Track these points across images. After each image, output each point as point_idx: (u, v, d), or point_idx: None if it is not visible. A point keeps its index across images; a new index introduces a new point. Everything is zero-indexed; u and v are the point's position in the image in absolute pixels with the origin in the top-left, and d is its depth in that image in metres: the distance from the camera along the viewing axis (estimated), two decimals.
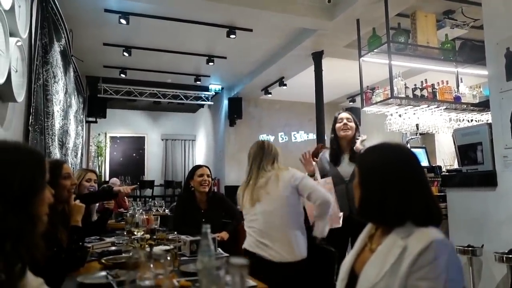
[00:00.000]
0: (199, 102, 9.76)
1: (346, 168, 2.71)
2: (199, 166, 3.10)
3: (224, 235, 2.75)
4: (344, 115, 2.77)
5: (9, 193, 0.87)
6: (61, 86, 4.67)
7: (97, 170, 10.43)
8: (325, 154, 2.81)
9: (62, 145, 4.80)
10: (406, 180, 1.06)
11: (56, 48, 4.33)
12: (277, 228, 2.03)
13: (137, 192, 10.48)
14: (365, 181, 1.12)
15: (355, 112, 10.95)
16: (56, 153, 4.30)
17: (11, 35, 2.59)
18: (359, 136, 2.76)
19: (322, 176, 2.68)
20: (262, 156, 2.26)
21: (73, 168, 5.64)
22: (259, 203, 2.11)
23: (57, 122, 4.40)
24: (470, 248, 2.85)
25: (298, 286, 1.92)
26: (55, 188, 1.56)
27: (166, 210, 5.31)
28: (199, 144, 11.88)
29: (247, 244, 2.16)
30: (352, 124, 2.72)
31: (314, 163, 2.68)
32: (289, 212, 2.09)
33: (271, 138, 9.81)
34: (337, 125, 2.75)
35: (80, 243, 1.75)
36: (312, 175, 2.64)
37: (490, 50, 3.07)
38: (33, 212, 0.91)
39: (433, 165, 4.83)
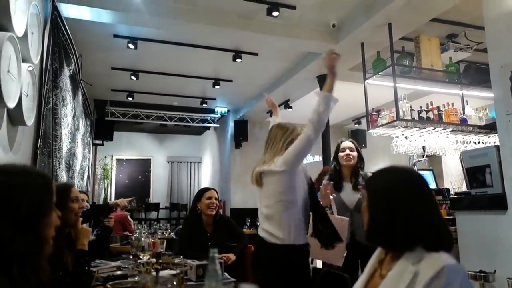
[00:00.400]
0: (205, 124, 9.82)
1: (350, 196, 2.69)
2: (207, 189, 3.08)
3: (231, 256, 2.72)
4: (347, 144, 2.78)
5: (17, 215, 0.88)
6: (70, 109, 4.74)
7: (102, 192, 10.45)
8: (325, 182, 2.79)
9: (69, 167, 4.83)
10: (415, 203, 1.05)
11: (66, 73, 4.42)
12: None
13: (142, 215, 10.44)
14: (373, 204, 1.11)
15: (360, 135, 10.99)
16: (63, 176, 4.32)
17: (23, 60, 2.66)
18: (361, 165, 2.76)
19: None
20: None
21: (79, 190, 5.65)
22: None
23: (65, 145, 4.44)
24: (482, 274, 2.78)
25: None
26: (63, 211, 1.57)
27: (172, 233, 5.28)
28: (204, 166, 11.88)
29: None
30: (355, 154, 2.74)
31: (331, 196, 2.54)
32: None
33: None
34: (340, 154, 2.76)
35: (86, 267, 1.73)
36: (326, 207, 2.59)
37: (495, 73, 3.08)
38: (41, 234, 0.92)
39: (441, 188, 4.78)
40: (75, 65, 5.01)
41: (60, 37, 3.97)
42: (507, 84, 2.93)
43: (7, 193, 0.89)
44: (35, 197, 0.93)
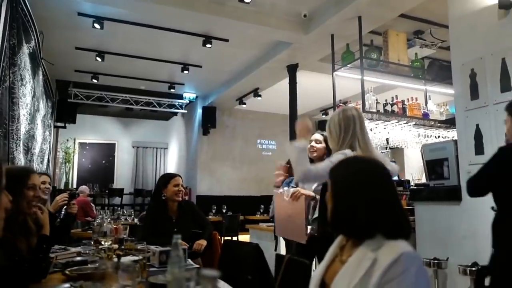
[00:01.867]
0: (173, 110, 9.66)
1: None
2: (173, 175, 3.01)
3: (203, 241, 2.71)
4: (314, 136, 2.75)
5: None
6: (29, 89, 4.51)
7: (64, 177, 10.10)
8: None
9: (28, 150, 4.62)
10: (376, 192, 1.08)
11: (25, 50, 4.19)
12: None
13: (105, 200, 10.20)
14: (336, 193, 1.13)
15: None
16: (21, 159, 4.12)
17: None
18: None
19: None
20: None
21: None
22: None
23: (23, 127, 4.24)
24: (435, 261, 2.92)
25: None
26: (17, 196, 1.49)
27: (135, 219, 5.19)
28: (171, 152, 11.72)
29: None
30: (320, 146, 2.69)
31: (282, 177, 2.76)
32: None
33: (246, 146, 9.83)
34: (308, 146, 2.78)
35: (46, 253, 1.67)
36: (277, 186, 2.75)
37: (456, 70, 3.21)
38: None
39: (402, 179, 4.95)
40: (35, 42, 4.76)
41: (19, 12, 3.75)
42: (467, 82, 3.05)
43: None
44: None
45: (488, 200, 2.75)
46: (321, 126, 10.53)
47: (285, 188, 2.52)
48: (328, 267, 1.16)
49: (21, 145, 4.14)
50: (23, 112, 4.22)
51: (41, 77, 5.53)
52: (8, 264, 1.47)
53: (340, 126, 2.04)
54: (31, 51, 4.51)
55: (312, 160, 2.73)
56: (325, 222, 1.16)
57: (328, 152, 2.78)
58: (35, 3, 4.36)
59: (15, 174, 1.70)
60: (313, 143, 2.70)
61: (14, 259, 1.54)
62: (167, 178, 2.97)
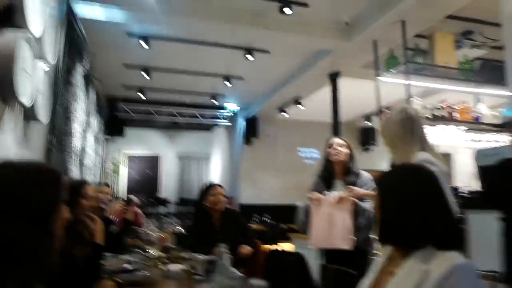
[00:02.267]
0: (216, 121, 9.85)
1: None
2: (211, 185, 3.07)
3: (249, 249, 2.71)
4: (335, 140, 2.73)
5: (28, 212, 0.90)
6: (82, 106, 4.80)
7: (114, 187, 10.56)
8: (318, 180, 2.72)
9: (81, 163, 4.90)
10: (426, 201, 1.04)
11: (79, 71, 4.47)
12: None
13: (151, 209, 10.54)
14: (384, 203, 1.10)
15: (371, 132, 10.89)
16: (75, 171, 4.38)
17: (39, 59, 2.70)
18: (352, 164, 2.65)
19: None
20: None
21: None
22: None
23: (77, 141, 4.50)
24: (492, 273, 2.74)
25: None
26: (74, 207, 1.59)
27: (181, 228, 5.31)
28: (214, 162, 11.93)
29: None
30: (345, 150, 2.64)
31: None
32: None
33: (288, 155, 9.82)
34: (328, 149, 2.70)
35: (98, 261, 1.75)
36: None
37: (511, 71, 3.02)
38: (50, 230, 0.94)
39: (451, 186, 4.71)
40: (88, 63, 5.07)
41: (74, 37, 4.02)
42: None
43: (19, 190, 0.91)
44: (46, 194, 0.94)
45: None
46: (364, 133, 10.28)
47: (327, 193, 2.45)
48: (376, 278, 1.13)
49: (76, 158, 4.39)
50: (78, 128, 4.48)
51: (92, 94, 5.86)
52: (63, 272, 1.56)
53: (404, 126, 1.83)
54: (84, 71, 4.80)
55: (331, 163, 2.65)
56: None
57: (350, 158, 2.67)
58: (88, 27, 4.65)
59: (72, 185, 1.81)
60: (335, 146, 2.63)
61: (69, 266, 1.63)
62: (206, 188, 3.03)
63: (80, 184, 1.92)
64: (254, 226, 6.65)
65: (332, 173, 2.64)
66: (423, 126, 1.87)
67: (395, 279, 1.02)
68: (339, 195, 2.37)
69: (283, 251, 3.05)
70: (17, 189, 0.91)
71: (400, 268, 1.03)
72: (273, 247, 6.01)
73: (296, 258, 2.19)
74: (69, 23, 3.72)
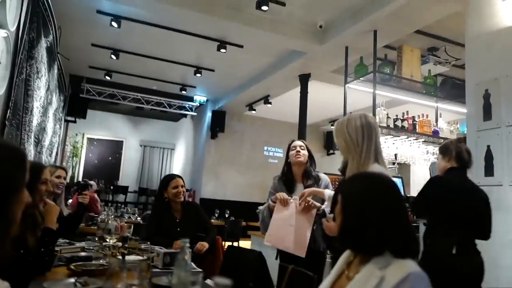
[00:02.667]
0: (183, 111, 9.72)
1: None
2: (172, 177, 3.00)
3: (205, 244, 2.69)
4: (297, 143, 2.74)
5: None
6: (44, 82, 4.57)
7: (70, 171, 10.17)
8: (279, 183, 2.69)
9: (38, 142, 4.67)
10: (387, 210, 1.07)
11: (43, 44, 4.25)
12: None
13: (109, 196, 10.25)
14: (347, 209, 1.12)
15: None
16: (31, 150, 4.17)
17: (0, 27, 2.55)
18: (312, 165, 2.69)
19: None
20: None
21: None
22: None
23: (35, 119, 4.29)
24: None
25: None
26: (31, 191, 1.51)
27: (139, 218, 5.21)
28: (178, 153, 11.77)
29: None
30: (305, 152, 2.67)
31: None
32: None
33: (253, 152, 9.83)
34: (291, 152, 2.70)
35: (50, 247, 1.68)
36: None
37: (470, 90, 3.19)
38: (8, 212, 0.85)
39: (408, 195, 4.92)
40: (53, 37, 4.83)
41: (39, 6, 3.81)
42: (480, 101, 3.04)
43: None
44: (6, 171, 0.85)
45: (495, 222, 2.73)
46: (328, 137, 10.51)
47: (295, 197, 2.46)
48: (334, 282, 1.16)
49: (32, 136, 4.18)
50: (37, 105, 4.27)
51: (56, 71, 5.60)
52: (13, 256, 1.48)
53: (363, 132, 1.77)
54: (48, 45, 4.57)
55: (290, 165, 2.67)
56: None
57: (310, 161, 2.71)
58: None
59: (30, 168, 1.72)
60: (298, 148, 2.67)
61: (19, 251, 1.55)
62: (166, 180, 2.98)
63: (38, 167, 1.82)
64: (214, 221, 6.63)
65: (292, 177, 2.65)
66: (379, 136, 1.85)
67: (352, 283, 1.05)
68: (305, 201, 2.36)
69: (241, 247, 3.06)
70: None
71: (357, 273, 1.07)
72: (232, 243, 6.04)
73: (255, 256, 2.20)
74: None
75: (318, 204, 2.37)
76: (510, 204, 2.74)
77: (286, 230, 2.34)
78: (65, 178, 2.97)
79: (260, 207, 2.66)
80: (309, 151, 2.72)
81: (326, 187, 2.59)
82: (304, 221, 2.28)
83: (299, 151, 2.65)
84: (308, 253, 2.25)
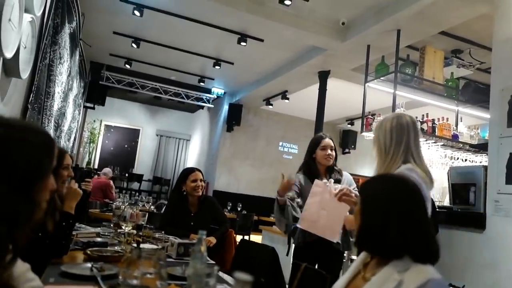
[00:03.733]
0: (200, 103, 9.75)
1: None
2: (191, 170, 3.01)
3: (212, 239, 2.72)
4: (329, 142, 2.62)
5: (12, 174, 0.80)
6: (66, 68, 4.64)
7: (87, 156, 10.34)
8: (299, 177, 2.63)
9: (58, 127, 4.76)
10: (408, 213, 1.06)
11: (66, 30, 4.31)
12: None
13: (124, 184, 10.39)
14: (366, 210, 1.11)
15: (351, 135, 11.01)
16: (51, 135, 4.25)
17: (26, 11, 2.58)
18: (335, 162, 2.63)
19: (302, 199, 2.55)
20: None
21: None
22: None
23: (56, 104, 4.36)
24: (451, 287, 2.85)
25: None
26: (56, 177, 1.53)
27: (152, 207, 5.27)
28: (193, 144, 11.84)
29: None
30: (334, 153, 2.61)
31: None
32: None
33: (268, 147, 9.82)
34: (320, 152, 2.60)
35: (67, 231, 1.71)
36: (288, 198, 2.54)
37: (495, 95, 3.11)
38: (35, 197, 0.84)
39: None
40: (76, 23, 4.89)
41: None
42: (505, 107, 2.96)
43: (5, 148, 0.81)
44: (35, 156, 0.85)
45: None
46: (344, 136, 10.42)
47: (332, 181, 2.35)
48: (349, 282, 1.15)
49: (52, 121, 4.26)
50: (58, 90, 4.34)
51: (77, 57, 5.68)
52: (32, 239, 1.51)
53: (391, 135, 1.76)
54: (71, 31, 4.63)
55: (316, 162, 2.60)
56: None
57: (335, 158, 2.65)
58: None
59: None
60: (329, 151, 2.58)
61: (38, 234, 1.58)
62: (186, 173, 2.99)
63: (61, 153, 1.85)
64: (226, 214, 6.68)
65: (316, 172, 2.59)
66: (415, 135, 1.79)
67: (368, 285, 1.04)
68: (344, 189, 2.30)
69: (254, 242, 3.06)
70: (3, 146, 0.80)
71: (374, 275, 1.05)
72: (243, 237, 6.07)
73: (268, 251, 2.20)
74: None
75: (355, 198, 2.31)
76: None
77: (319, 214, 2.26)
78: (71, 164, 2.97)
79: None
80: (335, 150, 2.66)
81: (350, 183, 2.57)
82: (341, 207, 2.15)
83: (330, 154, 2.57)
84: (326, 252, 2.24)
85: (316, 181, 2.36)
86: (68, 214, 1.74)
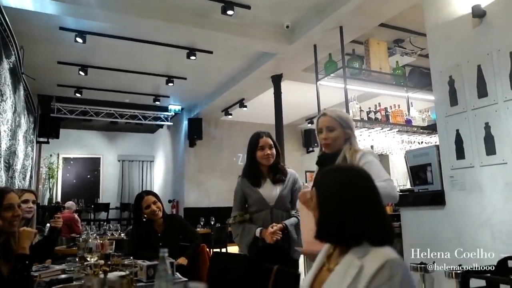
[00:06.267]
0: (158, 122, 9.61)
1: (270, 192, 2.46)
2: (141, 197, 2.89)
3: (183, 261, 2.66)
4: (266, 142, 2.48)
5: None
6: (9, 105, 4.44)
7: (48, 193, 9.90)
8: (244, 182, 2.52)
9: (9, 167, 4.53)
10: (362, 201, 1.10)
11: (5, 65, 4.14)
12: None
13: (91, 215, 10.03)
14: (322, 203, 1.14)
15: (313, 134, 11.20)
16: (2, 176, 4.04)
17: None
18: (279, 160, 2.52)
19: (245, 202, 2.51)
20: None
21: None
22: None
23: (4, 143, 4.16)
24: (422, 265, 2.95)
25: None
26: None
27: (122, 234, 5.12)
28: (157, 165, 11.62)
29: None
30: (274, 151, 2.48)
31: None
32: None
33: (233, 157, 9.80)
34: (258, 153, 2.47)
35: (25, 273, 1.63)
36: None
37: (435, 77, 3.29)
38: None
39: None
40: (16, 57, 4.70)
41: None
42: (446, 88, 3.13)
43: None
44: None
45: (470, 204, 2.81)
46: (306, 135, 10.59)
47: (305, 184, 2.33)
48: (315, 276, 1.17)
49: (2, 162, 4.05)
50: (4, 128, 4.14)
51: (22, 92, 5.45)
52: None
53: (351, 122, 2.12)
54: (11, 66, 4.45)
55: (258, 164, 2.49)
56: None
57: (277, 156, 2.51)
58: (14, 17, 4.32)
59: None
60: (267, 151, 2.44)
61: None
62: (138, 201, 2.91)
63: (3, 193, 1.73)
64: (200, 229, 6.58)
65: (258, 174, 2.49)
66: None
67: (333, 275, 1.07)
68: (276, 227, 2.28)
69: (226, 253, 3.03)
70: None
71: (337, 264, 1.08)
72: (220, 249, 6.01)
73: (241, 260, 2.19)
74: None
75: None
76: (483, 184, 2.82)
77: (311, 232, 2.11)
78: (34, 202, 2.81)
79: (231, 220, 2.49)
80: (276, 147, 2.53)
81: (295, 182, 2.51)
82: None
83: (269, 154, 2.45)
84: (284, 260, 2.21)
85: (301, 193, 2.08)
86: (22, 255, 1.66)
